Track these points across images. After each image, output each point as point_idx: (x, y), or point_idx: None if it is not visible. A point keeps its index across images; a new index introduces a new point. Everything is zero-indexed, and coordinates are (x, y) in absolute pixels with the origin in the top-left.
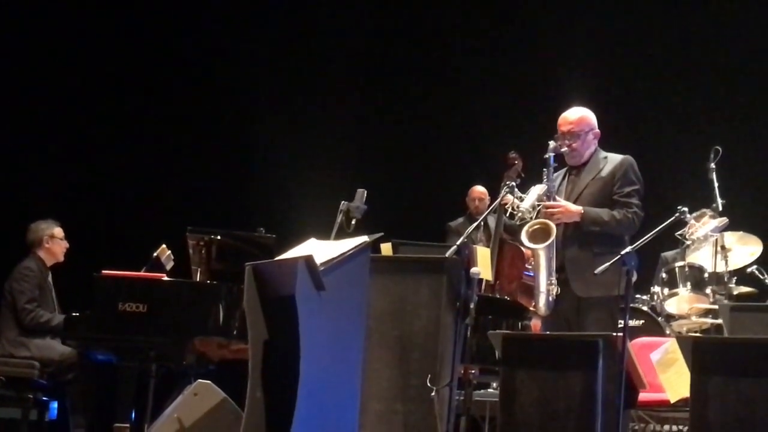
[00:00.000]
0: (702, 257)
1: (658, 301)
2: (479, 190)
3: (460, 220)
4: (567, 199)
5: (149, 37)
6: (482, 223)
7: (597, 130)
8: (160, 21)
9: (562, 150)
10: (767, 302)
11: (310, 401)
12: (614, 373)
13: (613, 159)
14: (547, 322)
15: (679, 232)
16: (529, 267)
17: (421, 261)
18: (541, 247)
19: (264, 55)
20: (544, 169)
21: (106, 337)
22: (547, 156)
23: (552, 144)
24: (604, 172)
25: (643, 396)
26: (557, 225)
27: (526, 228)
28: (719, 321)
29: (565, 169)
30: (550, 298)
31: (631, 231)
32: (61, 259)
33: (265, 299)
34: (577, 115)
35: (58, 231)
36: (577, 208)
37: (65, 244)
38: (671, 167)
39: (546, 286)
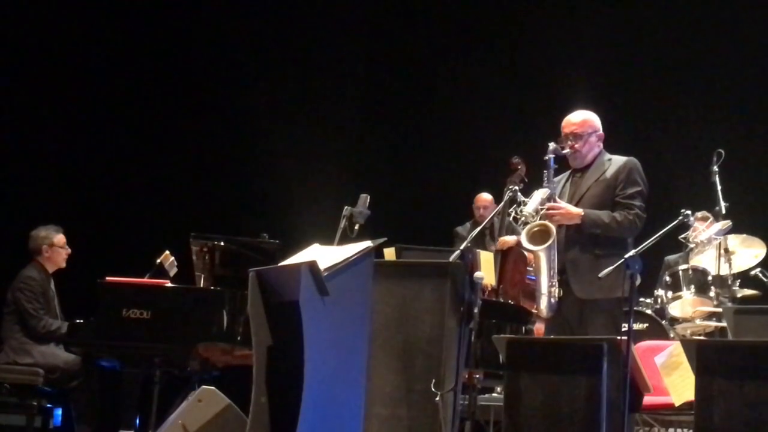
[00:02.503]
0: (705, 260)
1: (662, 304)
2: (484, 197)
3: (468, 225)
4: (569, 201)
5: (151, 42)
6: (492, 228)
7: (601, 132)
8: (163, 27)
9: (565, 152)
10: None
11: (315, 406)
12: (619, 376)
13: (617, 161)
14: (550, 325)
15: (682, 236)
16: (530, 270)
17: (425, 266)
18: (540, 249)
19: (267, 60)
20: (545, 171)
21: (110, 344)
22: (547, 158)
23: (552, 146)
24: (608, 174)
25: (647, 399)
26: (558, 227)
27: (525, 230)
28: (723, 324)
29: (569, 171)
30: (552, 300)
31: (633, 233)
32: (63, 265)
33: (269, 305)
34: (581, 118)
35: (59, 239)
36: (577, 211)
37: (66, 252)
38: (674, 171)
39: (547, 288)
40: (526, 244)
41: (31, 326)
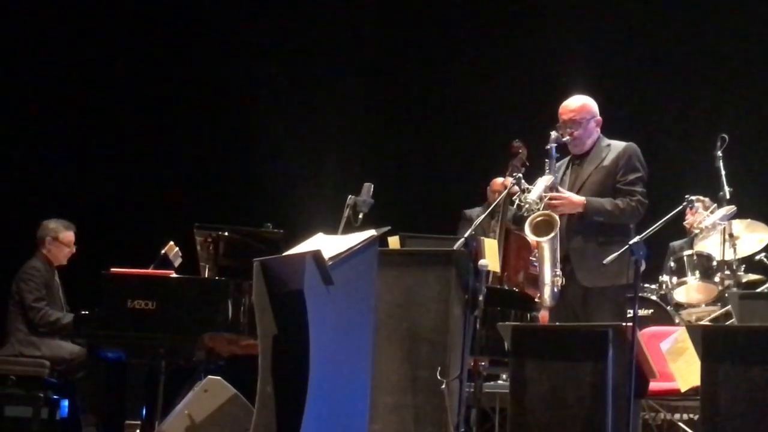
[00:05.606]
0: (710, 245)
1: (667, 290)
2: (500, 182)
3: (478, 209)
4: (570, 188)
5: (153, 35)
6: (498, 213)
7: (599, 117)
8: (164, 18)
9: (564, 139)
10: None
11: (321, 395)
12: (624, 362)
13: (617, 147)
14: (554, 313)
15: (686, 222)
16: (534, 259)
17: (430, 254)
18: (544, 240)
19: (269, 47)
20: (546, 161)
21: (116, 335)
22: (548, 147)
23: (553, 134)
24: (607, 161)
25: (653, 385)
26: (560, 216)
27: (529, 220)
28: (728, 309)
29: (568, 158)
30: (555, 290)
31: (635, 219)
32: (63, 262)
33: (274, 294)
34: (578, 103)
35: (65, 235)
36: (579, 199)
37: (69, 251)
38: (677, 156)
39: (551, 278)
40: (529, 235)
41: (30, 317)
